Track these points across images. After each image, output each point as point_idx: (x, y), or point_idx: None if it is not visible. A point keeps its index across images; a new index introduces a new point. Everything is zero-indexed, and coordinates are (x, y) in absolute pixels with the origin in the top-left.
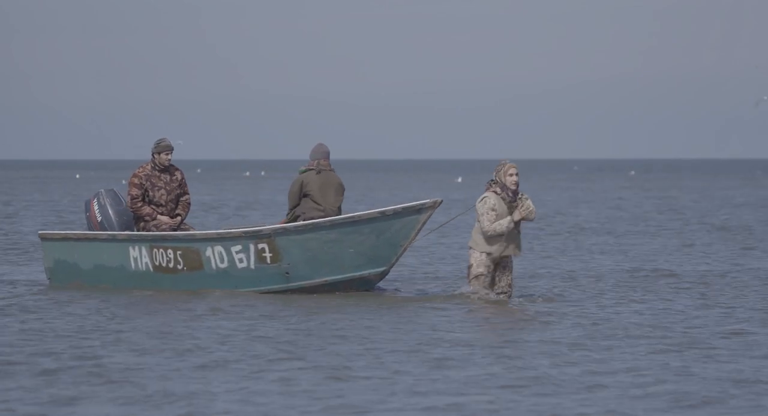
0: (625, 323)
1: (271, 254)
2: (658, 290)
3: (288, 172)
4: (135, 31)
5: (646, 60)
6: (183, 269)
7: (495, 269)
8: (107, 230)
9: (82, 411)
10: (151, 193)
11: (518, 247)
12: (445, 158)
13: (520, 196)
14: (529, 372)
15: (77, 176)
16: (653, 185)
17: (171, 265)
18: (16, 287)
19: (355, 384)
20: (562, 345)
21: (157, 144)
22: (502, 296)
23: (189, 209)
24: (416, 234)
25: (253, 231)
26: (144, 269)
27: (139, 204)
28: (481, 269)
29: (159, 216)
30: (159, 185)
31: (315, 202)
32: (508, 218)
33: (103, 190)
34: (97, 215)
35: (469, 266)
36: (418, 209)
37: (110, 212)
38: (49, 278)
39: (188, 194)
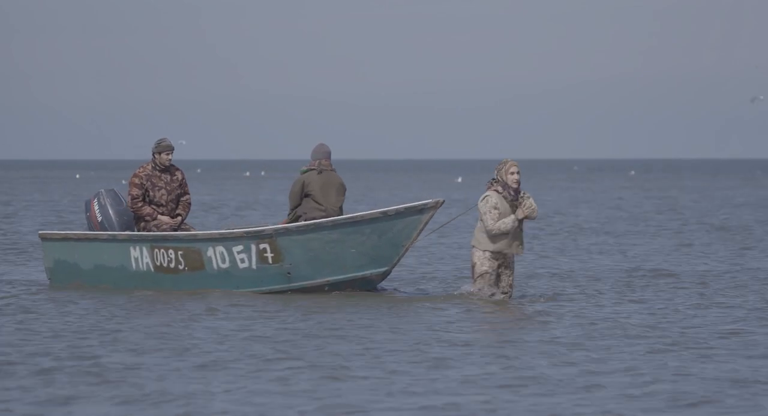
0: (623, 323)
1: (272, 255)
2: (656, 290)
3: (288, 172)
4: (135, 31)
5: (646, 60)
6: (184, 269)
7: (498, 268)
8: (108, 231)
9: (80, 411)
10: (151, 193)
11: (521, 245)
12: (445, 158)
13: (522, 194)
14: (527, 371)
15: (77, 176)
16: (653, 185)
17: (172, 265)
18: (15, 286)
19: (353, 383)
20: (561, 344)
21: (158, 144)
22: (503, 296)
23: (189, 209)
24: (418, 234)
25: (255, 231)
26: (145, 269)
27: (140, 204)
28: (486, 268)
29: (159, 216)
30: (159, 185)
31: (316, 202)
32: (512, 216)
33: (103, 190)
34: (98, 215)
35: (473, 265)
36: (420, 210)
37: (110, 212)
38: (49, 279)
39: (189, 194)
